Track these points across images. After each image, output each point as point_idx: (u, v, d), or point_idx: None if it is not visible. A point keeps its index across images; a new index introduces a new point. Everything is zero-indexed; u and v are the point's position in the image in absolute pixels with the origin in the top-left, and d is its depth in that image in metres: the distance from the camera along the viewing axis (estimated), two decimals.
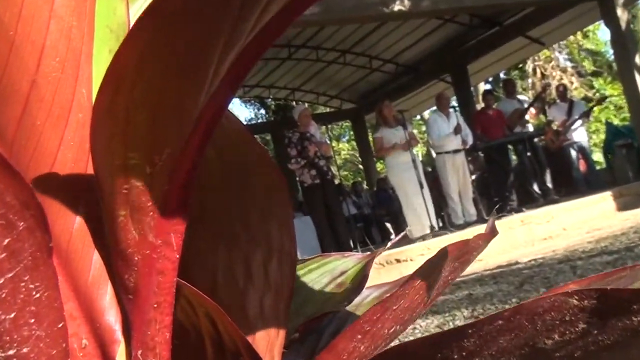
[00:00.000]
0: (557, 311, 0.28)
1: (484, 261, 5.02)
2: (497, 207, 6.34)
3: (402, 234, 0.77)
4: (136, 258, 0.32)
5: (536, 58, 17.59)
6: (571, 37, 16.59)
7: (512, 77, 13.43)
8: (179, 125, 0.29)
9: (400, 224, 9.34)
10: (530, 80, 18.54)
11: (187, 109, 0.29)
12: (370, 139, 13.53)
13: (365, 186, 17.74)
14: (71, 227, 0.32)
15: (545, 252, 4.72)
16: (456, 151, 6.98)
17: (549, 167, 7.78)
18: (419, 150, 22.40)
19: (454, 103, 13.05)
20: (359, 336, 0.49)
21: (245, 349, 0.37)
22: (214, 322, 0.37)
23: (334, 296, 0.60)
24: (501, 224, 5.85)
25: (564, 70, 17.94)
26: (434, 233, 6.28)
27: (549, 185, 7.65)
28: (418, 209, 6.37)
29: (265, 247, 0.44)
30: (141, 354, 0.32)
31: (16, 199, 0.25)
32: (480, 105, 9.74)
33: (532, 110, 7.99)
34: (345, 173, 22.38)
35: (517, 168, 8.14)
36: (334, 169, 8.34)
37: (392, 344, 0.38)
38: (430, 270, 0.55)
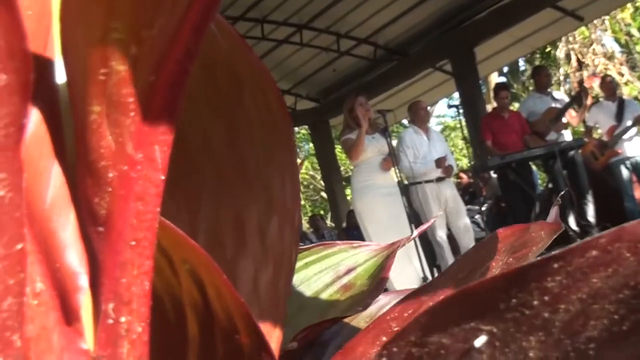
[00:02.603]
0: None
1: None
2: None
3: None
4: (110, 175, 0.33)
5: (570, 39, 17.98)
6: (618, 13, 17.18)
7: (544, 65, 13.63)
8: None
9: None
10: (561, 70, 18.92)
11: None
12: (338, 150, 13.67)
13: (329, 222, 17.82)
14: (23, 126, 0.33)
15: None
16: (440, 179, 7.15)
17: (591, 193, 7.84)
18: None
19: (456, 102, 13.31)
20: (384, 338, 0.51)
21: (246, 328, 0.39)
22: (201, 285, 0.38)
23: (339, 301, 0.62)
24: None
25: (609, 57, 18.30)
26: None
27: (591, 218, 7.73)
28: (404, 254, 6.31)
29: (262, 203, 0.46)
30: (113, 308, 0.34)
31: (4, 40, 0.26)
32: (492, 106, 9.93)
33: (572, 112, 8.09)
34: (302, 202, 22.50)
35: (545, 194, 8.27)
36: None
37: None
38: (472, 264, 0.59)
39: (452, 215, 7.21)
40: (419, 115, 7.39)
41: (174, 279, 0.40)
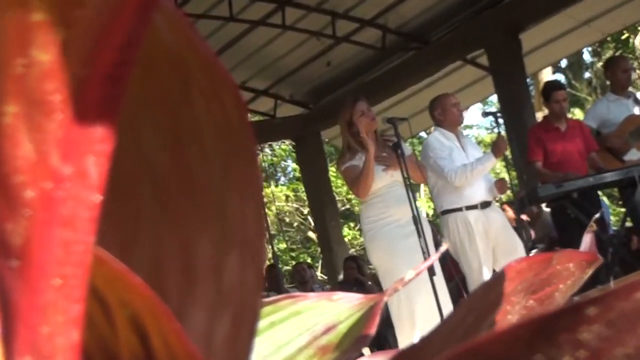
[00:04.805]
0: None
1: None
2: None
3: None
4: (29, 194, 0.36)
5: None
6: None
7: (622, 55, 13.29)
8: None
9: (391, 344, 9.36)
10: None
11: None
12: (332, 173, 13.62)
13: (319, 274, 17.74)
14: None
15: None
16: (486, 205, 7.00)
17: None
18: (426, 202, 22.58)
19: (493, 109, 13.26)
20: None
21: None
22: (144, 335, 0.42)
23: None
24: None
25: None
26: None
27: None
28: (421, 314, 6.09)
29: (217, 233, 0.49)
30: None
31: None
32: (542, 115, 9.88)
33: None
34: (283, 246, 22.40)
35: (621, 236, 8.20)
36: None
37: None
38: (481, 308, 0.62)
39: (502, 256, 6.95)
40: (449, 114, 7.18)
41: (108, 327, 0.43)
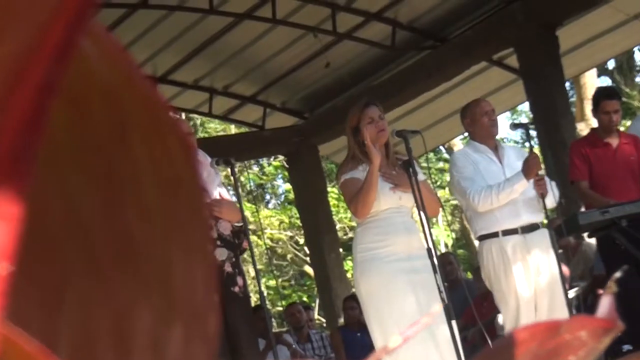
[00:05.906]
0: None
1: None
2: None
3: None
4: None
5: None
6: None
7: None
8: None
9: None
10: None
11: None
12: (333, 195, 13.54)
13: (317, 316, 17.69)
14: None
15: None
16: (530, 228, 6.88)
17: None
18: (444, 230, 22.57)
19: (525, 120, 13.17)
20: None
21: None
22: None
23: None
24: None
25: None
26: None
27: None
28: None
29: (159, 302, 0.50)
30: None
31: None
32: (585, 126, 9.84)
33: None
34: (272, 282, 22.34)
35: None
36: (248, 270, 8.33)
37: None
38: None
39: (545, 297, 6.84)
40: (479, 125, 7.10)
41: None
